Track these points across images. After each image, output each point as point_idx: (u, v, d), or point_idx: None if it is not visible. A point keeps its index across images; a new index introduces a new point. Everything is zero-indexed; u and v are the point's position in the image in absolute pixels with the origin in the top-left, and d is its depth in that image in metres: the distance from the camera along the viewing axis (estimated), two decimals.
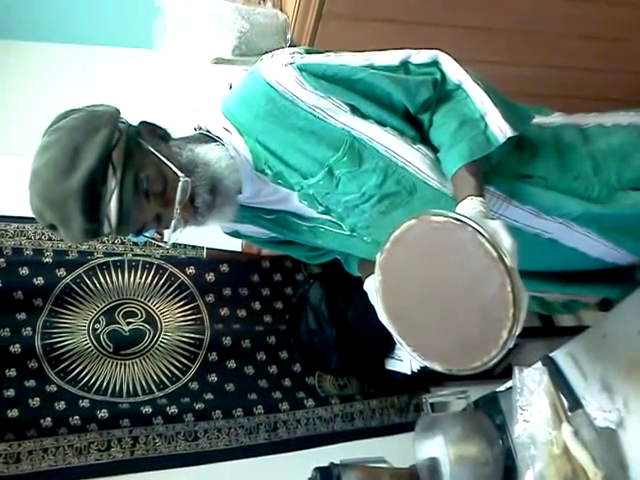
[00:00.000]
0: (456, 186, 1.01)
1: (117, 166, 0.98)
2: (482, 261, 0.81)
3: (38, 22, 2.25)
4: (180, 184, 1.02)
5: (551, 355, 1.31)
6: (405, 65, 1.08)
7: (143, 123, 1.09)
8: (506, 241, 0.82)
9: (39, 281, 1.91)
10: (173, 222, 1.04)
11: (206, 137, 1.13)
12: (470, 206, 0.92)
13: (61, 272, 1.95)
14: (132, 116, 1.10)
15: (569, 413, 1.23)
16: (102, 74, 2.21)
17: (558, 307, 1.42)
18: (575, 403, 1.22)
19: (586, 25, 1.73)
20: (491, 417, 1.43)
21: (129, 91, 2.04)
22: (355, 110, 1.07)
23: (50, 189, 0.97)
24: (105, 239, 2.06)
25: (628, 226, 1.17)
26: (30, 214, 1.03)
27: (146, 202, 1.02)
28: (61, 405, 1.80)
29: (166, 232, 1.09)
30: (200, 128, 1.18)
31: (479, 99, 1.03)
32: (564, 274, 1.28)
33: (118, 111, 1.06)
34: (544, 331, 2.27)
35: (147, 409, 1.87)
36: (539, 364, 1.31)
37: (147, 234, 1.11)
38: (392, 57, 1.08)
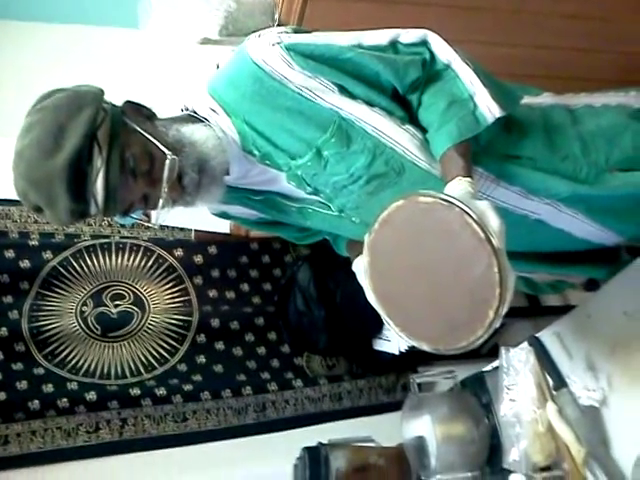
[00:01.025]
0: (444, 167, 1.01)
1: (103, 145, 0.97)
2: (469, 242, 0.81)
3: (21, 1, 2.21)
4: (167, 162, 1.01)
5: (537, 335, 1.33)
6: (394, 45, 1.07)
7: (128, 103, 1.08)
8: (494, 222, 0.82)
9: (25, 264, 1.90)
10: (161, 201, 1.03)
11: (193, 118, 1.12)
12: (458, 187, 0.92)
13: (47, 255, 1.93)
14: (117, 97, 1.08)
15: (554, 392, 1.24)
16: (86, 54, 2.17)
17: (545, 287, 1.43)
18: (560, 382, 1.24)
19: (574, 4, 1.72)
20: (477, 396, 1.45)
21: (114, 72, 2.00)
22: (343, 90, 1.06)
23: (34, 169, 0.96)
24: (92, 221, 2.03)
25: (615, 207, 1.18)
26: (15, 197, 1.01)
27: (133, 181, 1.01)
28: (49, 388, 1.80)
29: (153, 213, 1.08)
30: (187, 109, 1.16)
31: (468, 79, 1.03)
32: (551, 255, 1.29)
33: (102, 91, 1.04)
34: (530, 310, 2.29)
35: (135, 391, 1.87)
36: (525, 344, 1.32)
37: (134, 215, 1.10)
38: (381, 37, 1.07)
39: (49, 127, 0.96)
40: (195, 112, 1.13)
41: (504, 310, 0.81)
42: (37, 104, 1.02)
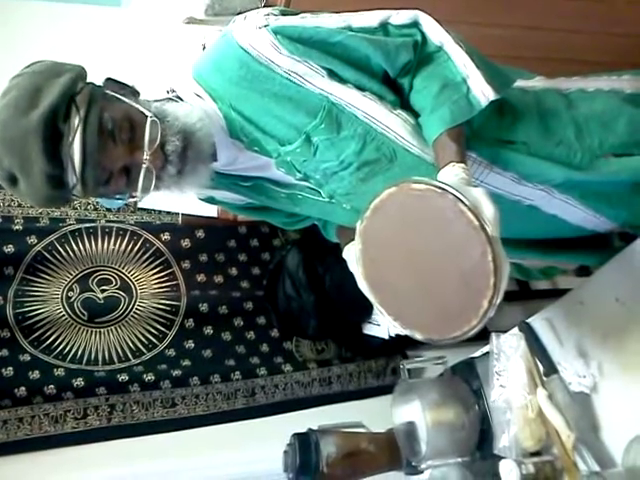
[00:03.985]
0: (437, 152, 0.99)
1: (80, 105, 0.95)
2: (463, 230, 0.80)
3: None
4: (148, 123, 0.98)
5: (528, 321, 1.32)
6: (384, 26, 1.05)
7: (109, 79, 1.05)
8: (488, 209, 0.81)
9: (9, 249, 1.86)
10: (143, 168, 0.99)
11: (176, 101, 1.10)
12: (452, 173, 0.91)
13: (32, 239, 1.90)
14: (99, 77, 1.06)
15: (544, 378, 1.24)
16: (67, 33, 2.11)
17: (536, 273, 1.43)
18: (551, 368, 1.24)
19: None
20: (468, 382, 1.45)
21: (95, 52, 1.95)
22: (333, 74, 1.03)
23: (8, 128, 0.94)
24: (77, 205, 2.00)
25: (608, 193, 1.17)
26: None
27: (113, 145, 0.98)
28: (35, 374, 1.78)
29: (137, 193, 1.04)
30: (173, 91, 1.13)
31: (461, 61, 1.01)
32: (543, 241, 1.29)
33: (83, 68, 1.02)
34: (520, 294, 2.29)
35: (123, 377, 1.85)
36: (516, 330, 1.32)
37: (115, 203, 1.07)
38: (371, 18, 1.05)
39: (26, 88, 0.95)
40: (179, 97, 1.10)
41: (498, 300, 0.80)
42: (17, 74, 1.00)
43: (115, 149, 0.98)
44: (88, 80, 1.02)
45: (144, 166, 0.99)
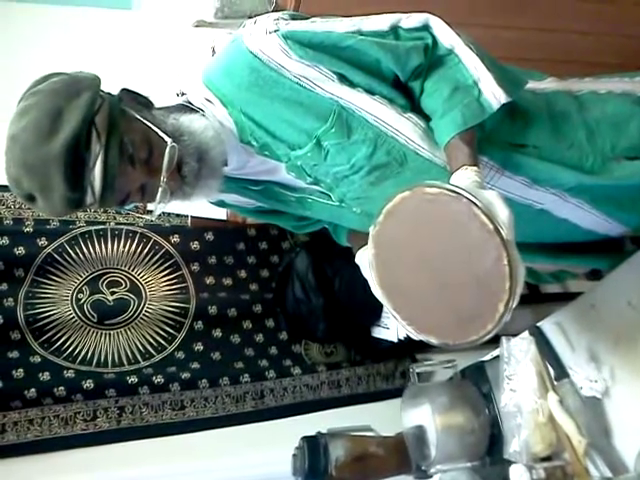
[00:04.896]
0: (449, 155, 0.98)
1: (101, 130, 0.95)
2: (478, 233, 0.79)
3: None
4: (167, 149, 0.99)
5: (538, 325, 1.31)
6: (395, 30, 1.04)
7: (124, 90, 1.05)
8: (502, 212, 0.80)
9: (20, 251, 1.87)
10: (159, 191, 1.00)
11: (188, 108, 1.10)
12: (465, 176, 0.90)
13: (42, 241, 1.91)
14: (109, 82, 1.06)
15: (555, 382, 1.23)
16: (78, 36, 2.12)
17: (547, 277, 1.42)
18: (562, 372, 1.23)
19: None
20: (477, 386, 1.44)
21: (106, 55, 1.96)
22: (343, 79, 1.03)
23: (30, 153, 0.93)
24: None
25: (620, 197, 1.16)
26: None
27: (131, 169, 0.99)
28: (45, 376, 1.78)
29: (150, 206, 1.05)
30: (183, 93, 1.13)
31: (472, 64, 1.00)
32: (554, 245, 1.28)
33: (98, 78, 1.02)
34: (530, 298, 2.28)
35: (133, 379, 1.86)
36: (526, 333, 1.31)
37: (127, 207, 1.07)
38: (381, 22, 1.04)
39: (46, 110, 0.94)
40: (190, 102, 1.10)
41: (515, 303, 0.80)
42: (31, 88, 0.99)
43: (134, 172, 0.99)
44: (102, 88, 1.02)
45: (161, 188, 1.00)
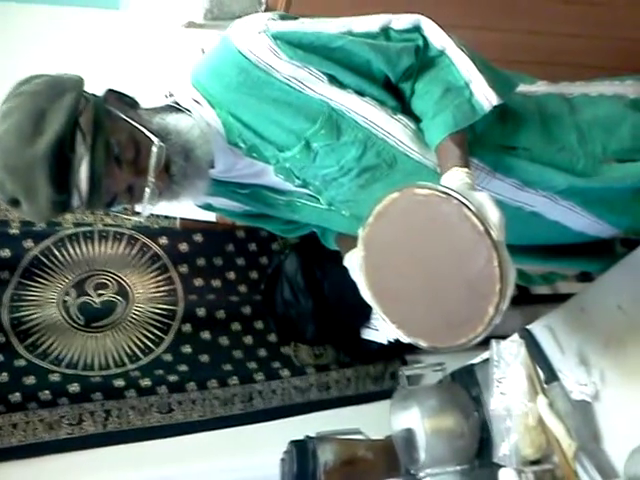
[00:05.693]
0: (440, 157, 0.98)
1: (86, 131, 0.93)
2: (468, 235, 0.79)
3: None
4: (155, 149, 0.97)
5: (528, 327, 1.31)
6: (385, 31, 1.03)
7: (109, 91, 1.04)
8: (493, 214, 0.80)
9: (5, 253, 1.85)
10: (147, 192, 0.99)
11: (175, 108, 1.08)
12: (456, 177, 0.89)
13: (28, 244, 1.89)
14: (97, 82, 1.04)
15: (545, 385, 1.23)
16: (65, 36, 2.09)
17: (537, 279, 1.42)
18: (551, 376, 1.23)
19: None
20: (467, 389, 1.44)
21: (94, 55, 1.94)
22: (333, 80, 1.02)
23: (13, 156, 0.91)
24: None
25: (611, 199, 1.16)
26: None
27: (118, 170, 0.97)
28: (30, 380, 1.76)
29: (138, 207, 1.04)
30: (171, 95, 1.12)
31: (463, 66, 1.00)
32: (545, 248, 1.27)
33: (82, 79, 1.00)
34: (520, 299, 2.27)
35: (120, 382, 1.84)
36: (516, 336, 1.31)
37: (115, 208, 1.06)
38: (372, 23, 1.04)
39: (29, 112, 0.92)
40: (177, 103, 1.09)
41: (505, 306, 0.79)
42: (14, 90, 0.98)
43: (120, 173, 0.98)
44: (87, 89, 1.00)
45: (148, 189, 0.99)
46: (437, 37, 1.02)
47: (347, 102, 1.02)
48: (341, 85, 1.02)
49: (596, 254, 1.28)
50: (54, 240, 1.93)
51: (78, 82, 0.98)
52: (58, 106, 0.92)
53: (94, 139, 0.93)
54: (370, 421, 1.66)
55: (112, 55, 1.99)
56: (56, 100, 0.92)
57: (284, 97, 1.01)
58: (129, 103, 1.05)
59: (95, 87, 1.03)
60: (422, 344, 0.88)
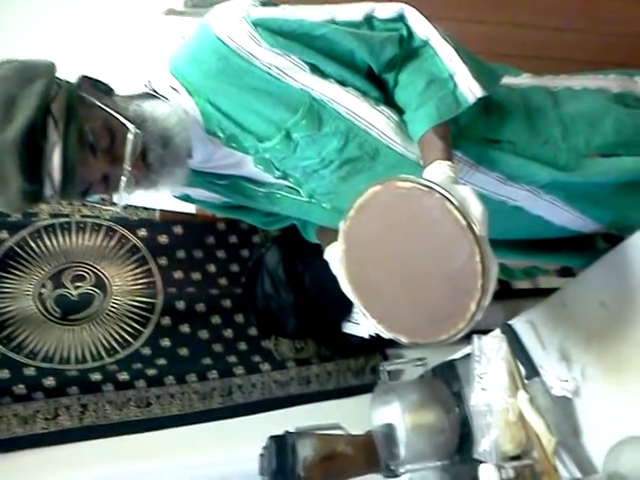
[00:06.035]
0: (423, 150, 0.97)
1: (58, 118, 0.90)
2: (450, 229, 0.78)
3: None
4: (130, 136, 0.95)
5: (510, 323, 1.31)
6: (369, 20, 1.02)
7: (83, 77, 1.01)
8: (476, 208, 0.79)
9: None
10: (123, 180, 0.96)
11: (152, 96, 1.05)
12: (439, 171, 0.88)
13: (3, 234, 1.85)
14: (73, 70, 1.01)
15: (526, 381, 1.23)
16: (39, 22, 2.04)
17: (518, 273, 1.42)
18: (532, 371, 1.23)
19: None
20: (448, 384, 1.43)
21: (70, 43, 1.89)
22: (315, 69, 1.00)
23: None
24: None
25: (595, 194, 1.16)
26: None
27: (92, 158, 0.94)
28: (5, 373, 1.71)
29: (115, 197, 1.01)
30: (150, 83, 1.09)
31: (448, 57, 0.98)
32: (527, 242, 1.27)
33: (54, 64, 0.97)
34: (500, 293, 2.27)
35: (97, 376, 1.80)
36: (498, 332, 1.30)
37: (92, 199, 1.03)
38: (355, 11, 1.02)
39: None
40: (155, 91, 1.06)
41: (487, 302, 0.79)
42: None
43: (95, 162, 0.95)
44: (64, 76, 0.98)
45: (124, 177, 0.96)
46: (421, 27, 1.00)
47: (329, 92, 1.00)
48: (323, 75, 1.00)
49: (578, 249, 1.28)
50: (30, 231, 1.88)
51: (50, 68, 0.95)
52: (29, 92, 0.89)
53: (67, 126, 0.90)
54: (351, 415, 1.64)
55: (90, 42, 1.95)
56: (27, 86, 0.89)
57: (264, 86, 0.99)
58: (104, 90, 1.02)
59: (72, 74, 1.00)
60: (403, 340, 0.87)
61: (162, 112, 1.01)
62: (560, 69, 1.28)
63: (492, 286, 0.79)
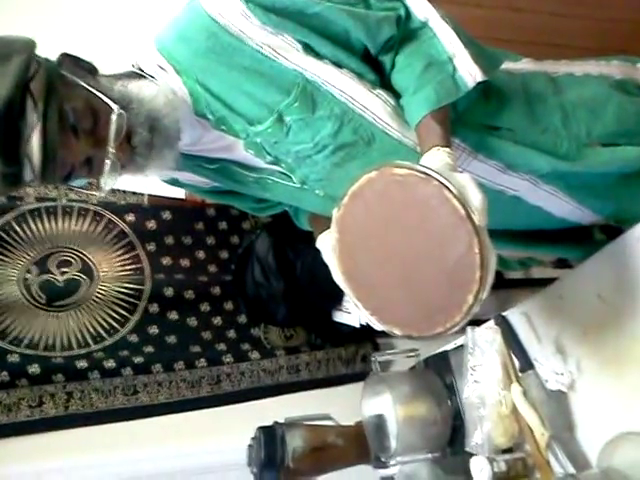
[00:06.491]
0: (421, 135, 0.93)
1: (37, 97, 0.86)
2: (448, 219, 0.75)
3: None
4: (114, 117, 0.91)
5: (504, 314, 1.28)
6: None
7: (64, 55, 0.96)
8: (475, 197, 0.76)
9: None
10: (107, 163, 0.93)
11: (139, 75, 1.01)
12: (436, 157, 0.85)
13: None
14: (57, 48, 0.97)
15: (520, 374, 1.21)
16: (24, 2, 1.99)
17: (514, 263, 1.40)
18: (527, 364, 1.21)
19: None
20: (441, 376, 1.41)
21: (54, 21, 1.84)
22: (309, 49, 0.97)
23: None
24: None
25: (595, 184, 1.13)
26: None
27: (74, 139, 0.90)
28: None
29: (101, 181, 0.97)
30: (137, 62, 1.05)
31: (447, 39, 0.95)
32: (524, 233, 1.25)
33: (33, 41, 0.92)
34: (495, 284, 2.26)
35: (82, 363, 1.77)
36: (492, 323, 1.28)
37: (76, 183, 0.99)
38: None
39: None
40: (142, 70, 1.02)
41: (485, 294, 0.76)
42: None
43: (77, 143, 0.91)
44: (46, 55, 0.93)
45: (108, 160, 0.93)
46: (420, 7, 0.97)
47: (323, 73, 0.96)
48: (317, 55, 0.97)
49: (575, 241, 1.26)
50: (15, 215, 1.84)
51: (28, 44, 0.91)
52: (5, 70, 0.85)
53: (46, 106, 0.86)
54: (341, 404, 1.63)
55: (76, 20, 1.90)
56: (3, 63, 0.85)
57: (256, 66, 0.95)
58: (87, 68, 0.97)
59: (55, 54, 0.96)
60: (397, 333, 0.84)
61: (149, 93, 0.97)
62: (558, 55, 1.25)
63: (491, 278, 0.76)
